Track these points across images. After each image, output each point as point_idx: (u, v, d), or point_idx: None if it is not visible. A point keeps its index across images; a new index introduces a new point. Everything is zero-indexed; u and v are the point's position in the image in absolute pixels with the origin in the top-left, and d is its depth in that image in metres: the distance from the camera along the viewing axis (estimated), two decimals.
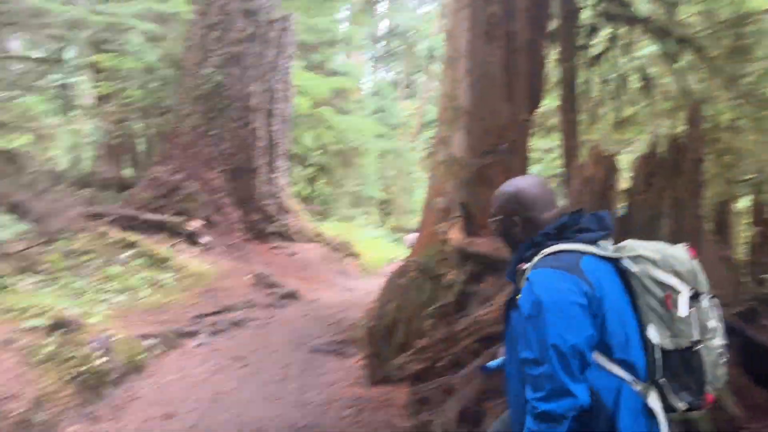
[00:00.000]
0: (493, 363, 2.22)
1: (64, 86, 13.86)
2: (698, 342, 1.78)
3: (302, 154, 16.21)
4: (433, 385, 3.60)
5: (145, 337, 5.56)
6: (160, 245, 8.83)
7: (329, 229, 13.83)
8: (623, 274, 1.85)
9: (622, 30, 7.93)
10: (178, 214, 9.76)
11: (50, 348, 4.30)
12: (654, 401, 1.77)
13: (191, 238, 9.34)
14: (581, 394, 1.69)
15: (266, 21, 10.61)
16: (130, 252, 8.40)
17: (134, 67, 10.53)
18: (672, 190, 3.41)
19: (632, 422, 1.75)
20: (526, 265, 1.87)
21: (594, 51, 8.85)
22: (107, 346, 4.58)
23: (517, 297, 1.87)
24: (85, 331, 4.63)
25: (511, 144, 4.71)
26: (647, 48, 9.77)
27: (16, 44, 14.13)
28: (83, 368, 4.26)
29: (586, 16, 7.62)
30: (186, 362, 5.48)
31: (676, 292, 1.79)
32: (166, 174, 10.17)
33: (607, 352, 1.77)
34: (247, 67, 10.44)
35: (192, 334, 6.21)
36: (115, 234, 8.79)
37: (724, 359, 1.84)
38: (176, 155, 10.35)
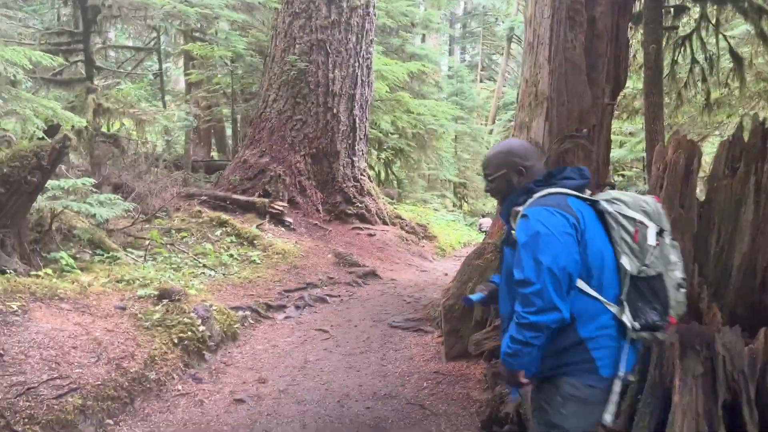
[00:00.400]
0: (473, 296, 2.52)
1: (155, 74, 14.73)
2: (662, 272, 2.12)
3: (379, 138, 16.50)
4: None
5: (237, 309, 6.00)
6: (248, 224, 9.35)
7: (405, 212, 14.09)
8: (600, 214, 2.19)
9: (712, 9, 7.69)
10: (264, 195, 10.27)
11: (158, 315, 4.77)
12: (627, 318, 2.12)
13: (276, 218, 9.82)
14: (565, 311, 2.03)
15: (348, 8, 10.87)
16: (221, 230, 8.95)
17: (223, 55, 11.06)
18: (756, 176, 3.40)
19: (606, 341, 2.14)
20: (519, 208, 2.19)
21: (682, 31, 8.62)
22: (206, 315, 5.01)
23: (512, 233, 2.19)
24: (187, 301, 5.08)
25: (592, 129, 4.75)
26: (739, 27, 9.35)
27: (111, 34, 15.08)
28: (187, 334, 4.70)
29: None
30: (274, 333, 5.88)
31: (645, 226, 2.12)
32: (253, 157, 10.70)
33: (588, 278, 2.11)
34: (330, 54, 10.76)
35: (279, 308, 6.62)
36: (207, 213, 9.39)
37: (684, 290, 2.19)
38: (263, 139, 10.86)
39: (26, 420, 3.21)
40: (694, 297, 3.37)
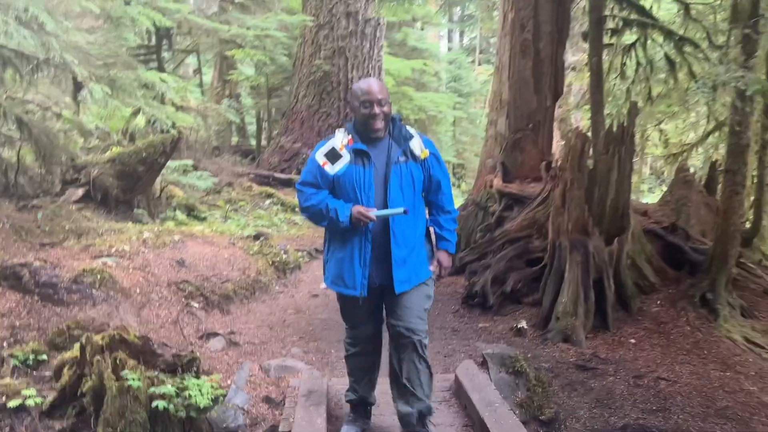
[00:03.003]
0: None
1: (195, 71, 17.27)
2: None
3: None
4: (479, 265, 6.38)
5: (298, 250, 8.60)
6: (289, 196, 11.92)
7: None
8: None
9: (640, 32, 10.15)
10: (298, 173, 12.83)
11: (257, 248, 7.37)
12: None
13: None
14: None
15: (363, 20, 13.36)
16: (269, 201, 11.55)
17: (261, 59, 13.57)
18: (618, 154, 5.96)
19: None
20: (412, 132, 3.10)
21: (625, 42, 11.08)
22: (285, 249, 7.62)
23: (411, 151, 3.03)
24: (272, 241, 7.68)
25: (537, 124, 7.31)
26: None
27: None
28: (276, 259, 7.31)
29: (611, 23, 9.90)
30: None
31: None
32: (288, 143, 13.27)
33: None
34: (349, 58, 13.27)
35: (323, 252, 9.20)
36: (256, 188, 11.96)
37: None
38: (295, 128, 13.41)
39: (209, 293, 5.82)
40: (584, 222, 5.95)
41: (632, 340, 5.47)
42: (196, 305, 5.53)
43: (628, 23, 9.76)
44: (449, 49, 35.04)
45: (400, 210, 2.88)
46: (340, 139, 3.01)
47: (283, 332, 5.48)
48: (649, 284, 6.04)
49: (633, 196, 11.76)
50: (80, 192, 7.34)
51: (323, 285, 3.68)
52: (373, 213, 2.86)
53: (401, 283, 3.00)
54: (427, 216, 3.27)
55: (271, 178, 12.44)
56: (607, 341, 5.47)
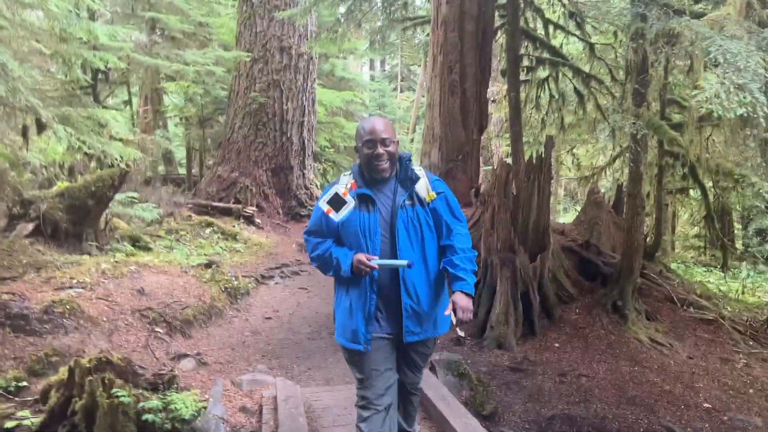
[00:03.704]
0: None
1: (125, 102, 17.27)
2: None
3: (318, 153, 19.60)
4: None
5: (245, 276, 8.98)
6: (228, 224, 12.23)
7: None
8: None
9: (552, 68, 11.31)
10: (237, 202, 13.17)
11: (209, 275, 7.72)
12: None
13: (249, 220, 12.75)
14: None
15: (296, 54, 13.96)
16: (209, 230, 11.80)
17: (197, 91, 13.88)
18: (537, 181, 6.80)
19: None
20: (418, 171, 2.94)
21: (540, 76, 12.23)
22: (235, 276, 8.01)
23: (416, 194, 2.86)
24: (223, 269, 8.05)
25: (465, 155, 8.12)
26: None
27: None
28: (228, 285, 7.69)
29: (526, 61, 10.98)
30: (272, 291, 8.90)
31: None
32: (225, 172, 13.59)
33: None
34: (284, 91, 13.80)
35: (269, 278, 9.62)
36: (196, 217, 12.20)
37: None
38: (232, 158, 13.76)
39: (171, 318, 6.16)
40: (511, 242, 6.73)
41: (556, 344, 6.25)
42: (161, 330, 5.88)
43: (541, 62, 10.88)
44: (372, 77, 36.13)
45: (404, 263, 2.70)
46: (344, 183, 2.88)
47: (245, 352, 5.91)
48: (568, 295, 6.89)
49: (551, 217, 12.92)
50: (30, 226, 7.47)
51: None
52: (375, 262, 2.70)
53: (410, 334, 2.85)
54: None
55: (209, 207, 12.70)
56: (535, 346, 6.23)
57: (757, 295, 11.48)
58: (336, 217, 2.84)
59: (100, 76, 11.58)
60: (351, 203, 2.83)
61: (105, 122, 7.17)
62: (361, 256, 2.72)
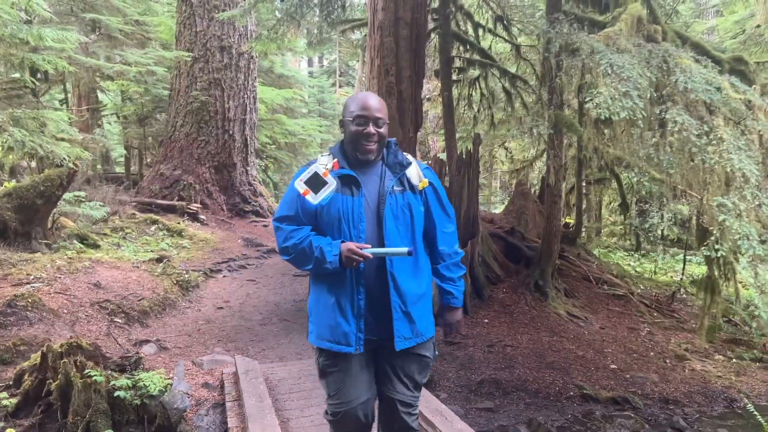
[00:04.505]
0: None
1: (62, 101, 17.07)
2: None
3: (259, 150, 19.87)
4: None
5: (194, 270, 9.33)
6: (173, 222, 12.46)
7: None
8: None
9: (483, 71, 12.10)
10: (180, 199, 13.39)
11: (160, 269, 8.06)
12: None
13: (193, 216, 13.01)
14: None
15: (237, 53, 14.25)
16: (154, 227, 12.01)
17: (137, 90, 13.97)
18: (468, 174, 7.49)
19: None
20: (410, 158, 2.62)
21: (471, 75, 13.01)
22: (187, 268, 8.37)
23: (406, 179, 2.52)
24: (174, 263, 8.39)
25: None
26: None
27: None
28: (180, 279, 8.05)
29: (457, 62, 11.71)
30: (221, 283, 9.29)
31: None
32: (168, 170, 13.76)
33: None
34: (225, 89, 14.08)
35: (217, 271, 9.99)
36: (140, 215, 12.37)
37: None
38: (174, 156, 13.94)
39: (129, 309, 6.52)
40: None
41: (486, 320, 6.96)
42: (120, 320, 6.23)
43: (471, 63, 11.64)
44: (310, 73, 36.38)
45: (404, 250, 2.34)
46: (324, 163, 2.49)
47: (201, 338, 6.34)
48: (496, 276, 7.62)
49: (485, 208, 13.73)
50: None
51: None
52: (368, 251, 2.35)
53: (402, 340, 2.46)
54: None
55: (153, 205, 12.87)
56: (467, 322, 6.92)
57: (669, 275, 12.65)
58: (314, 199, 2.42)
59: (39, 75, 11.55)
60: (332, 184, 2.44)
61: (46, 123, 7.35)
62: (352, 245, 2.34)
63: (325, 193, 2.43)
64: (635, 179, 8.12)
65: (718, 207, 3.73)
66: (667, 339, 7.16)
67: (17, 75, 9.29)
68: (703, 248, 4.21)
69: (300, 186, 2.45)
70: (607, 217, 19.50)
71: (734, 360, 6.58)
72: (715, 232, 3.80)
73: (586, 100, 4.07)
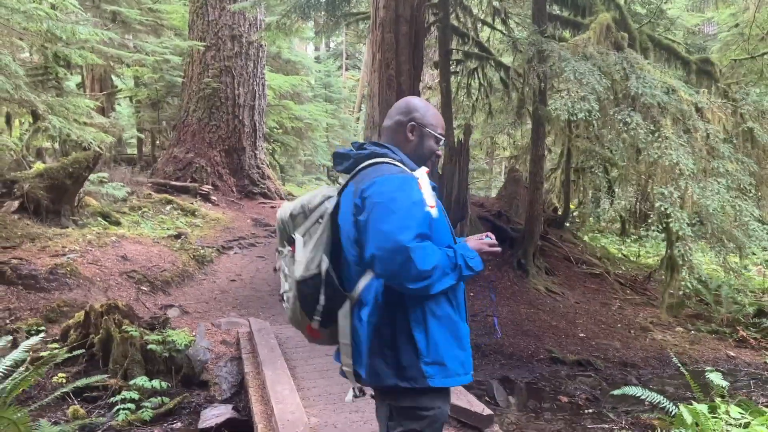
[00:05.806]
0: None
1: (79, 85, 17.81)
2: None
3: (267, 134, 20.61)
4: None
5: (208, 246, 10.13)
6: (187, 202, 13.25)
7: (294, 190, 18.44)
8: None
9: (480, 62, 12.77)
10: (193, 181, 14.17)
11: (179, 245, 8.86)
12: None
13: (205, 197, 13.79)
14: None
15: (247, 42, 14.94)
16: (169, 206, 12.81)
17: (152, 75, 14.70)
18: (458, 162, 8.22)
19: None
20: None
21: (470, 66, 13.67)
22: (202, 245, 9.17)
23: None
24: (190, 239, 9.19)
25: None
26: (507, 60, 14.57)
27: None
28: (196, 254, 8.85)
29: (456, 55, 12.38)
30: (233, 259, 10.09)
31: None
32: (181, 153, 14.54)
33: None
34: (235, 76, 14.80)
35: (228, 248, 10.79)
36: (155, 195, 13.17)
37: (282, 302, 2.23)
38: (187, 140, 14.70)
39: (153, 279, 7.32)
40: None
41: (471, 294, 7.75)
42: (146, 288, 7.05)
43: (469, 56, 12.31)
44: (317, 57, 36.91)
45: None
46: (419, 172, 2.18)
47: (218, 305, 7.15)
48: None
49: (485, 193, 14.47)
50: (16, 204, 8.41)
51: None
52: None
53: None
54: None
55: (168, 186, 13.65)
56: None
57: (656, 258, 13.40)
58: (435, 214, 2.09)
59: (61, 62, 12.30)
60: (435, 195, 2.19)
61: (85, 110, 8.08)
62: (478, 241, 2.19)
63: (437, 205, 2.16)
64: (600, 170, 8.85)
65: (657, 195, 4.45)
66: (636, 313, 7.93)
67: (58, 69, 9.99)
68: (640, 228, 4.94)
69: (430, 200, 2.10)
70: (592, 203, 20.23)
71: (692, 332, 7.35)
72: (653, 215, 4.51)
73: (549, 103, 4.79)
